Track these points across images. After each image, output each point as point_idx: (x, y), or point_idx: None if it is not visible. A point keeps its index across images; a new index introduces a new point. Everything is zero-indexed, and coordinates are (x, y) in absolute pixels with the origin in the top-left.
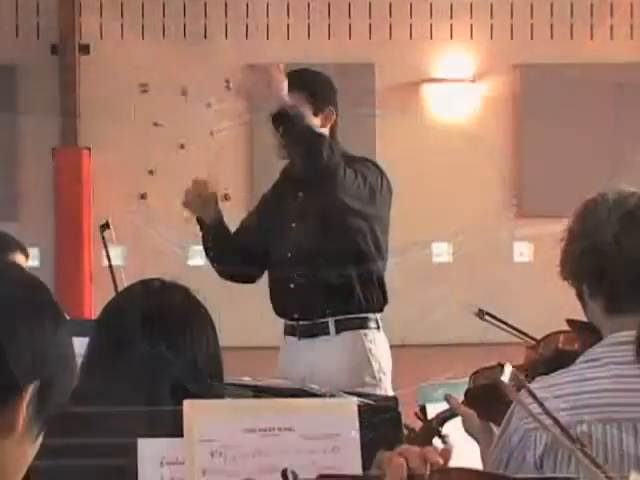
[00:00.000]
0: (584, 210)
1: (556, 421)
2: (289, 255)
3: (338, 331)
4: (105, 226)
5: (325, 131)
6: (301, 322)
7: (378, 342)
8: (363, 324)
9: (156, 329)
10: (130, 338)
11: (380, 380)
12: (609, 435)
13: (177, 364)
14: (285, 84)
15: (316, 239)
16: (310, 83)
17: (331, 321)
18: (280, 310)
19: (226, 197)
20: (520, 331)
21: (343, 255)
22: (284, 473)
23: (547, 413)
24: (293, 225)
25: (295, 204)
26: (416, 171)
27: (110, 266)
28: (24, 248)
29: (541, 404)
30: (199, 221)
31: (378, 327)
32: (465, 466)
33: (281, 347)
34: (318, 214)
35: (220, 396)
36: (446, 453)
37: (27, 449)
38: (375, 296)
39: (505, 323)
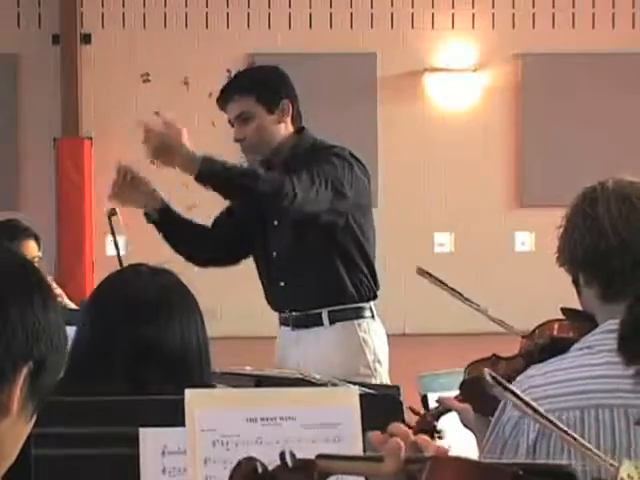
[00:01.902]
0: (583, 198)
1: (536, 411)
2: (274, 254)
3: (332, 322)
4: (112, 212)
5: (285, 125)
6: (294, 313)
7: (373, 331)
8: (357, 314)
9: (142, 313)
10: (116, 323)
11: (375, 370)
12: (601, 421)
13: (163, 349)
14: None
15: (298, 236)
16: (255, 83)
17: (324, 312)
18: (274, 305)
19: None
20: (465, 298)
21: (327, 249)
22: (282, 455)
23: (524, 402)
24: (275, 223)
25: None
26: (418, 160)
27: (118, 254)
28: (37, 236)
29: (516, 395)
30: (146, 216)
31: (373, 316)
32: (463, 456)
33: (277, 337)
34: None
35: (209, 381)
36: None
37: (21, 429)
38: (366, 284)
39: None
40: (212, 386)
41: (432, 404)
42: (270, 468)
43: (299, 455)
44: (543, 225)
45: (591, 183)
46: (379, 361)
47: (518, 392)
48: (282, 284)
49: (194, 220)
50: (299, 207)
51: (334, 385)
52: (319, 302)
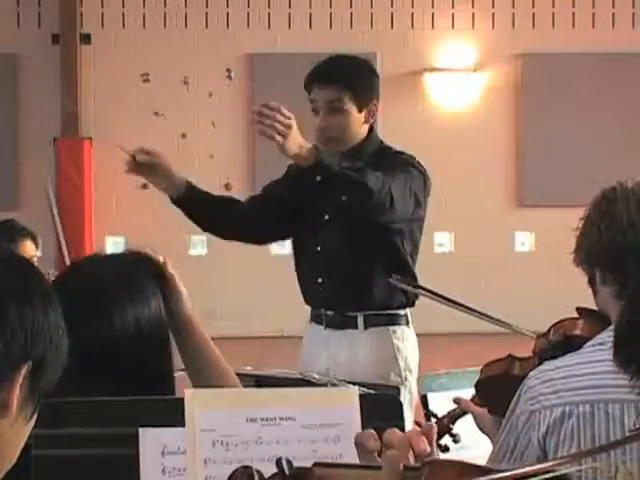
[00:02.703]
0: (602, 198)
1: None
2: (318, 249)
3: (366, 326)
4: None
5: (366, 126)
6: (328, 312)
7: (407, 339)
8: (392, 320)
9: (89, 301)
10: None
11: (406, 379)
12: (611, 415)
13: (112, 335)
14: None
15: (349, 235)
16: (357, 77)
17: (360, 316)
18: (309, 301)
19: (227, 187)
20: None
21: (374, 252)
22: (279, 462)
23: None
24: (326, 217)
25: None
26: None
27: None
28: (34, 236)
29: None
30: (171, 199)
31: (407, 323)
32: (457, 459)
33: (305, 334)
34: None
35: (166, 367)
36: (430, 433)
37: (21, 429)
38: (407, 292)
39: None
40: (170, 378)
41: (432, 404)
42: (267, 474)
43: (299, 455)
44: (543, 225)
45: (591, 183)
46: (410, 370)
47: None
48: (320, 280)
49: (224, 196)
50: (393, 210)
51: (334, 385)
52: (355, 304)
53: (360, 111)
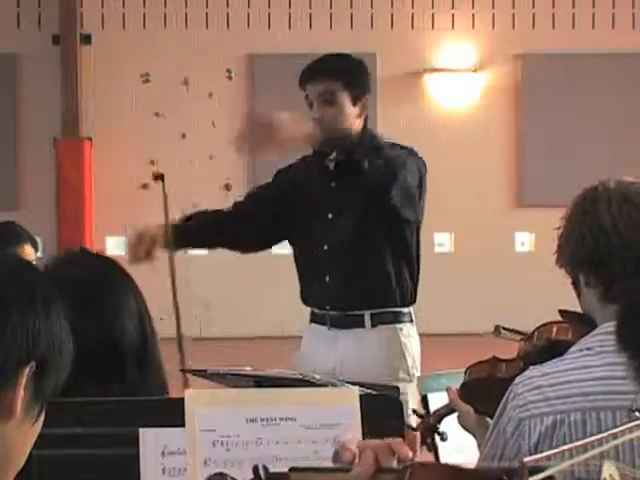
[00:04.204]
0: (583, 198)
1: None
2: (325, 247)
3: (374, 324)
4: (159, 178)
5: (360, 121)
6: (332, 312)
7: (413, 337)
8: (398, 318)
9: (73, 296)
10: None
11: (413, 376)
12: (603, 423)
13: (95, 331)
14: (290, 122)
15: (356, 232)
16: (346, 70)
17: (367, 314)
18: (312, 300)
19: (227, 187)
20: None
21: (382, 248)
22: (255, 469)
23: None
24: (330, 216)
25: (328, 194)
26: None
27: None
28: (34, 240)
29: None
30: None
31: (412, 320)
32: (441, 462)
33: (305, 335)
34: (358, 207)
35: (153, 361)
36: (412, 442)
37: (27, 432)
38: (410, 289)
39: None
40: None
41: (432, 404)
42: None
43: (299, 455)
44: (543, 225)
45: (591, 183)
46: (416, 367)
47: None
48: (327, 279)
49: (212, 214)
50: (406, 185)
51: (334, 385)
52: (363, 302)
53: (354, 104)
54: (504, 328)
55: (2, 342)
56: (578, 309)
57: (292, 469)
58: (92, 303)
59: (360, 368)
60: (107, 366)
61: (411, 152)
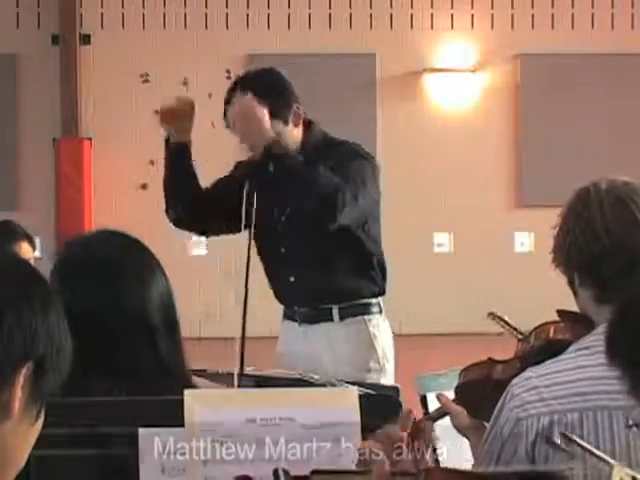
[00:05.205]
0: (576, 199)
1: None
2: (282, 250)
3: (342, 318)
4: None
5: (298, 128)
6: (301, 309)
7: (382, 327)
8: (366, 309)
9: (99, 275)
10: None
11: (384, 366)
12: (600, 423)
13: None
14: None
15: (309, 233)
16: (268, 88)
17: (335, 308)
18: (281, 300)
19: None
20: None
21: (339, 245)
22: (275, 472)
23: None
24: (283, 219)
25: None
26: (417, 161)
27: None
28: (31, 238)
29: None
30: (166, 142)
31: (381, 311)
32: (449, 467)
33: (280, 331)
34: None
35: (176, 344)
36: (428, 432)
37: (27, 432)
38: (377, 280)
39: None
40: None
41: (431, 404)
42: (267, 474)
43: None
44: (542, 226)
45: (587, 183)
46: (387, 358)
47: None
48: (292, 279)
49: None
50: (344, 215)
51: (333, 386)
52: (330, 298)
53: (286, 123)
54: (499, 317)
55: None
56: (577, 309)
57: (314, 472)
58: (120, 280)
59: (330, 360)
60: (138, 340)
61: (355, 149)
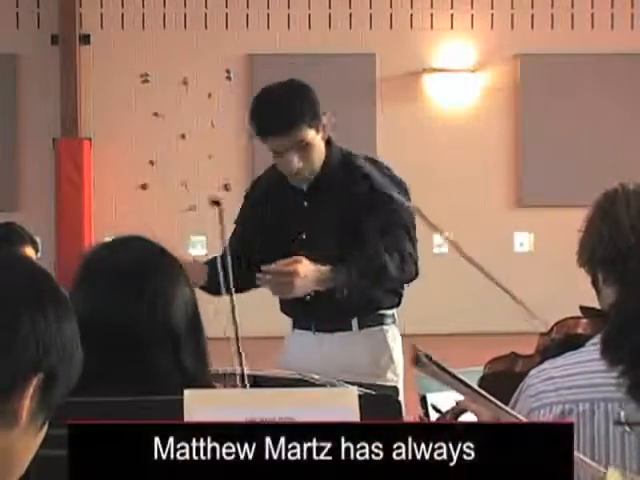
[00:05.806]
0: (604, 198)
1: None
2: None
3: (361, 327)
4: (216, 203)
5: (323, 141)
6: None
7: (397, 338)
8: (383, 320)
9: (121, 281)
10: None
11: (398, 376)
12: (610, 414)
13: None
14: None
15: (331, 251)
16: (301, 111)
17: (354, 318)
18: (294, 316)
19: (226, 187)
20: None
21: None
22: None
23: (458, 379)
24: (303, 236)
25: (301, 213)
26: (417, 161)
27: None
28: (34, 241)
29: (450, 374)
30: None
31: (395, 322)
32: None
33: (288, 340)
34: (331, 224)
35: (200, 348)
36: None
37: (31, 441)
38: (398, 294)
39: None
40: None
41: (431, 404)
42: None
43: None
44: (542, 226)
45: (590, 183)
46: (400, 368)
47: (452, 371)
48: (308, 298)
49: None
50: (397, 283)
51: (333, 386)
52: (349, 314)
53: (318, 131)
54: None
55: (12, 351)
56: (577, 310)
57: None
58: (141, 288)
59: (349, 370)
60: (161, 352)
61: (392, 197)
